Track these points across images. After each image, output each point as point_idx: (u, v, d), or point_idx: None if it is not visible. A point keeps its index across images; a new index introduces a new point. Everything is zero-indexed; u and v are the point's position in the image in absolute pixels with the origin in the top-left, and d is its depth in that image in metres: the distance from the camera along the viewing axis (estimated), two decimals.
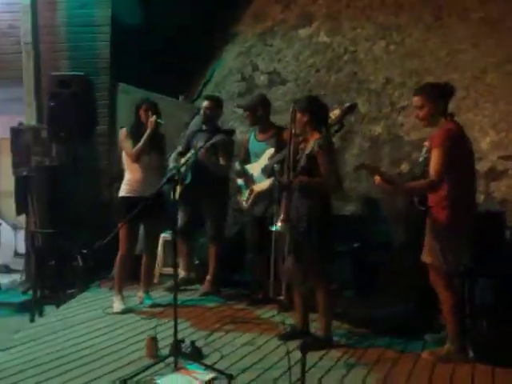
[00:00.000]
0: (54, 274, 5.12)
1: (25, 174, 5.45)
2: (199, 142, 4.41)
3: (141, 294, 4.53)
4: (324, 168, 3.36)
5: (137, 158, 4.27)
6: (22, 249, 5.99)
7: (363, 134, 5.12)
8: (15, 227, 6.16)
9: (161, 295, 4.76)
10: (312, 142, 3.43)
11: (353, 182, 4.97)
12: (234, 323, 3.98)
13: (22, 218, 5.68)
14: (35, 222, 5.48)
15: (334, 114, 3.63)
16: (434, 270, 3.23)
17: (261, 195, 4.43)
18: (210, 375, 2.98)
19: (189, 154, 4.33)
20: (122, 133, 4.38)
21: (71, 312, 4.35)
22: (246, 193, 4.54)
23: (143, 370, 2.94)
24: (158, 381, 2.91)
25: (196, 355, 3.23)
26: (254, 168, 4.49)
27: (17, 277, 5.72)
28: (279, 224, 3.47)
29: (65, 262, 5.26)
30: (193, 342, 3.32)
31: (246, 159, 4.67)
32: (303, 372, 2.45)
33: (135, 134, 4.32)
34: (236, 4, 6.49)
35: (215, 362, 3.20)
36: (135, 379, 2.89)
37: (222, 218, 4.82)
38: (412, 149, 4.71)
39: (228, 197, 4.94)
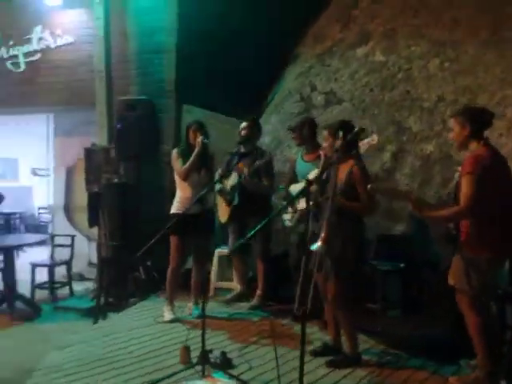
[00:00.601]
0: (119, 283, 5.53)
1: (96, 190, 5.95)
2: (244, 168, 4.62)
3: (190, 305, 4.77)
4: (365, 192, 3.39)
5: (185, 176, 4.53)
6: (95, 259, 6.48)
7: (415, 152, 5.05)
8: (89, 239, 6.66)
9: (213, 307, 4.97)
10: (347, 166, 3.48)
11: (402, 202, 4.91)
12: (270, 337, 4.09)
13: (95, 230, 6.17)
14: (105, 235, 5.95)
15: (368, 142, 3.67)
16: (460, 292, 3.16)
17: (304, 214, 4.52)
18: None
19: (233, 178, 4.57)
20: (173, 154, 4.67)
21: (126, 318, 4.71)
22: (290, 212, 4.66)
23: (170, 376, 3.17)
24: None
25: (225, 365, 3.40)
26: (298, 188, 4.60)
27: (90, 285, 6.21)
28: (319, 243, 3.57)
29: (129, 273, 5.66)
30: (223, 353, 3.49)
31: (294, 179, 4.79)
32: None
33: (185, 153, 4.60)
34: (298, 26, 6.67)
35: (242, 373, 3.34)
36: (163, 383, 3.13)
37: (267, 236, 4.96)
38: None
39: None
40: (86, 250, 6.51)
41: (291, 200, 4.47)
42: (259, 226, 2.81)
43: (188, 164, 4.50)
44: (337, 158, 3.27)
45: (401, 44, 5.54)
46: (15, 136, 8.21)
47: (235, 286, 5.31)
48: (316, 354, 3.68)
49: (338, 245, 3.44)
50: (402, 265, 4.46)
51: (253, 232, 2.83)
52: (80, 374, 3.34)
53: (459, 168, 3.32)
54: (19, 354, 4.11)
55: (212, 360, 3.38)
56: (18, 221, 9.19)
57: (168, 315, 4.55)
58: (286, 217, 4.71)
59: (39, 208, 9.80)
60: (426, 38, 5.36)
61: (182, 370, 3.26)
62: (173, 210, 4.67)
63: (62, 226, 6.92)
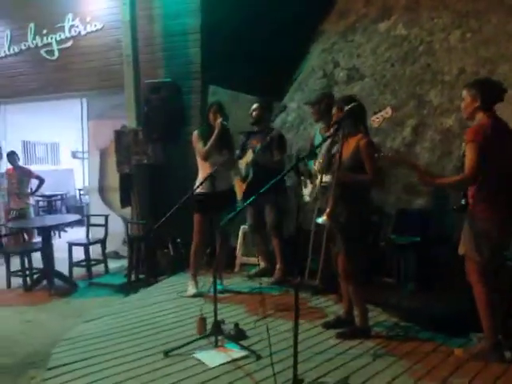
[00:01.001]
0: (148, 260, 5.78)
1: (127, 171, 6.19)
2: (257, 144, 4.73)
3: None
4: (370, 166, 3.43)
5: (206, 157, 4.65)
6: None
7: (435, 126, 4.99)
8: (123, 218, 6.94)
9: (236, 282, 5.14)
10: (355, 141, 3.52)
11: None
12: (284, 310, 4.21)
13: (129, 210, 6.43)
14: (137, 214, 6.21)
15: (382, 116, 3.69)
16: (469, 261, 3.18)
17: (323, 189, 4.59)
18: (242, 353, 3.31)
19: (248, 156, 4.69)
20: (194, 135, 4.78)
21: (153, 293, 4.95)
22: (310, 187, 4.72)
23: (184, 345, 3.36)
24: (196, 354, 3.31)
25: (237, 336, 3.56)
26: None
27: (124, 262, 6.49)
28: (324, 217, 3.64)
29: (158, 250, 5.90)
30: (236, 324, 3.65)
31: (313, 154, 4.85)
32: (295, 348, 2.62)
33: (206, 134, 4.71)
34: (323, 3, 6.63)
35: (253, 344, 3.48)
36: (177, 352, 3.32)
37: (280, 210, 5.04)
38: None
39: (286, 189, 5.14)
40: (121, 229, 6.77)
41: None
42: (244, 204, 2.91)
43: (208, 145, 4.61)
44: (335, 131, 3.30)
45: (424, 16, 5.44)
46: (55, 121, 8.58)
47: (260, 262, 5.45)
48: (329, 326, 3.79)
49: (344, 219, 3.50)
50: (417, 239, 4.47)
51: (239, 209, 2.94)
52: (102, 344, 3.59)
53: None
54: (52, 326, 4.44)
55: (225, 331, 3.56)
56: (59, 202, 9.64)
57: (191, 290, 4.75)
58: (306, 192, 4.78)
59: (79, 190, 10.28)
60: (449, 9, 5.24)
61: (194, 340, 3.44)
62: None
63: (98, 206, 7.24)
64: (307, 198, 4.77)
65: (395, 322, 3.88)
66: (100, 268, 6.42)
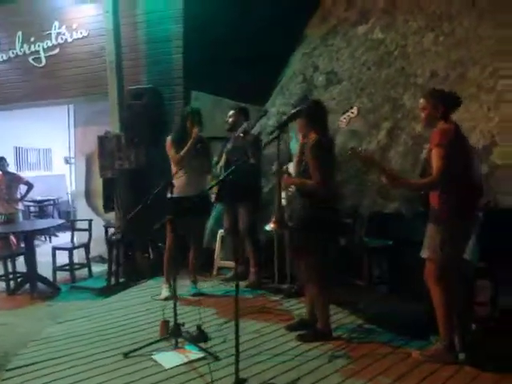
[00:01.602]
0: (127, 264, 5.84)
1: (109, 176, 6.26)
2: (228, 145, 4.78)
3: (188, 283, 4.99)
4: (312, 169, 3.45)
5: (179, 164, 4.69)
6: None
7: (408, 130, 5.00)
8: (108, 222, 7.00)
9: (211, 285, 5.18)
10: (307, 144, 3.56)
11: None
12: (256, 313, 4.25)
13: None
14: (119, 218, 6.26)
15: (348, 116, 3.72)
16: (429, 263, 3.20)
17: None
18: (199, 355, 3.35)
19: (223, 160, 4.74)
20: (168, 141, 4.80)
21: (127, 296, 4.99)
22: (287, 190, 4.75)
23: (144, 347, 3.41)
24: (154, 356, 3.35)
25: (199, 338, 3.59)
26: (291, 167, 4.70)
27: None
28: (271, 225, 3.67)
29: (138, 254, 5.95)
30: (199, 326, 3.69)
31: (289, 158, 4.89)
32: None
33: (179, 141, 4.72)
34: (307, 7, 6.67)
35: (214, 345, 3.51)
36: (138, 353, 3.37)
37: (254, 212, 5.06)
38: None
39: (260, 194, 5.18)
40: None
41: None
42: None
43: (182, 153, 4.63)
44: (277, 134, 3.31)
45: (399, 20, 5.46)
46: (47, 127, 8.68)
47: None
48: (291, 328, 3.81)
49: (300, 222, 3.53)
50: (389, 242, 4.48)
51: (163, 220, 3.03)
52: (68, 345, 3.64)
53: (427, 146, 3.36)
54: (26, 329, 4.47)
55: (187, 333, 3.59)
56: (50, 207, 9.74)
57: (164, 293, 4.79)
58: (283, 195, 4.81)
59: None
60: (423, 12, 5.26)
61: (154, 342, 3.48)
62: (169, 194, 4.85)
63: (84, 211, 7.31)
64: (284, 202, 4.81)
65: (359, 324, 3.90)
66: (84, 272, 6.48)
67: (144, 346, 3.43)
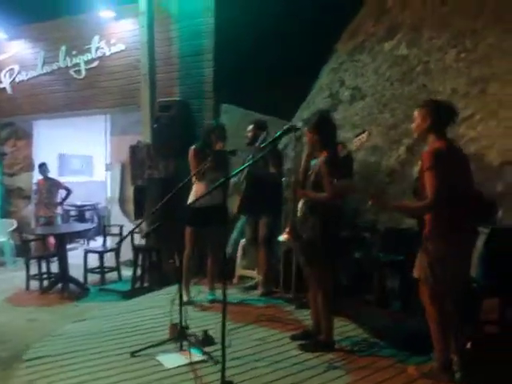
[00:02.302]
0: (152, 270, 6.07)
1: (140, 184, 6.53)
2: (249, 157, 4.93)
3: (206, 290, 5.15)
4: (326, 183, 3.52)
5: (199, 178, 4.85)
6: None
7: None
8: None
9: (229, 293, 5.28)
10: (320, 158, 3.65)
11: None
12: (264, 321, 4.35)
13: None
14: (149, 225, 6.50)
15: (359, 139, 3.80)
16: (421, 283, 3.19)
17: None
18: (201, 358, 3.48)
19: (245, 171, 4.89)
20: (191, 151, 4.98)
21: (147, 300, 5.20)
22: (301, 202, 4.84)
23: (149, 347, 3.59)
24: (158, 356, 3.51)
25: (204, 342, 3.73)
26: None
27: (139, 270, 6.81)
28: (284, 236, 3.77)
29: (164, 260, 6.16)
30: (205, 331, 3.83)
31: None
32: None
33: (201, 154, 4.87)
34: (338, 23, 6.77)
35: (218, 350, 3.63)
36: (144, 353, 3.54)
37: (274, 223, 5.15)
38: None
39: (281, 205, 5.27)
40: (137, 239, 7.08)
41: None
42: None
43: (203, 169, 4.65)
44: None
45: (425, 36, 5.48)
46: (88, 135, 9.09)
47: (256, 275, 5.60)
48: (295, 338, 3.88)
49: (309, 235, 3.60)
50: (401, 258, 4.49)
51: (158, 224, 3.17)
52: (81, 342, 3.88)
53: (419, 162, 3.32)
54: (52, 325, 4.73)
55: (192, 337, 3.74)
56: (90, 212, 10.17)
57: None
58: (299, 206, 4.89)
59: None
60: (449, 29, 5.26)
61: (159, 344, 3.65)
62: (189, 203, 5.04)
63: (119, 216, 7.62)
64: (299, 213, 4.90)
65: (364, 337, 3.92)
66: (114, 275, 6.76)
67: (150, 347, 3.60)
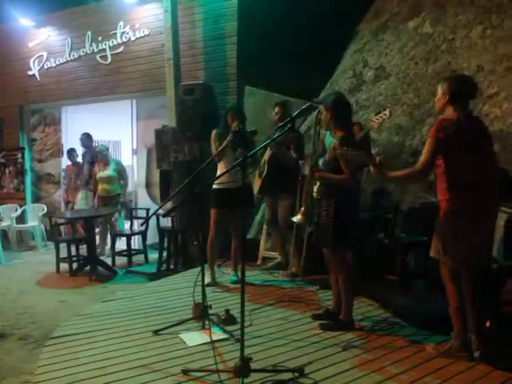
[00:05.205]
0: (177, 252, 6.17)
1: (165, 167, 6.61)
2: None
3: (230, 271, 5.22)
4: (344, 165, 3.54)
5: (218, 159, 4.88)
6: None
7: None
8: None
9: (253, 274, 5.35)
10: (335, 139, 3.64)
11: None
12: (287, 301, 4.40)
13: None
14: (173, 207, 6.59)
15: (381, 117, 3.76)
16: (441, 263, 3.18)
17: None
18: (223, 336, 3.55)
19: (267, 153, 4.88)
20: (212, 134, 5.03)
21: (172, 281, 5.30)
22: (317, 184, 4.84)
23: (172, 325, 3.68)
24: (181, 334, 3.59)
25: (227, 321, 3.80)
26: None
27: (166, 253, 6.92)
28: (299, 217, 3.78)
29: (189, 242, 6.26)
30: (227, 310, 3.89)
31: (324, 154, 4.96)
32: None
33: (222, 136, 4.94)
34: (360, 2, 6.67)
35: (238, 329, 3.69)
36: (167, 331, 3.63)
37: (293, 205, 5.15)
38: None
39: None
40: (163, 222, 7.20)
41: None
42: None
43: (220, 149, 4.80)
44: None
45: (450, 13, 5.36)
46: (116, 120, 9.20)
47: (277, 256, 5.64)
48: (317, 318, 3.91)
49: (322, 218, 3.61)
50: (424, 238, 4.44)
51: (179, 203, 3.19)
52: (107, 321, 3.99)
53: None
54: (80, 306, 4.87)
55: (214, 316, 3.81)
56: None
57: (206, 279, 5.02)
58: (315, 188, 4.89)
59: None
60: (474, 4, 5.13)
61: (181, 322, 3.73)
62: (208, 183, 5.08)
63: (145, 200, 7.75)
64: (315, 195, 4.89)
65: (386, 317, 3.93)
66: (141, 258, 6.90)
67: (173, 325, 3.68)
